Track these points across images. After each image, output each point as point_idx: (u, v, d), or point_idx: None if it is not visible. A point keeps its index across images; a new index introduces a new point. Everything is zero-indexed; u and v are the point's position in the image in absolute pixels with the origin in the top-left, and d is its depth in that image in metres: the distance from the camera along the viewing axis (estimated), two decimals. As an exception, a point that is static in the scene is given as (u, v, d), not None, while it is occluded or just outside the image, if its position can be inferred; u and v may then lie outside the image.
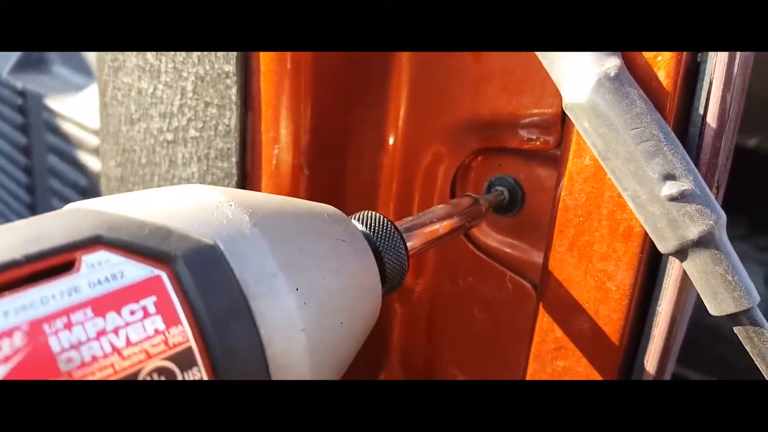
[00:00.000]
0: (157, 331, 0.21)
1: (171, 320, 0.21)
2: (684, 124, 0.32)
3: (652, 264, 0.34)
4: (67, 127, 0.80)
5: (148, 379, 0.20)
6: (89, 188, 0.79)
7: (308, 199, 0.41)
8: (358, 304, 0.28)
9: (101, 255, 0.21)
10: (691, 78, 0.32)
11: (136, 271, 0.21)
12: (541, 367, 0.38)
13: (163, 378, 0.21)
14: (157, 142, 0.46)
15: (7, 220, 1.01)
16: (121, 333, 0.20)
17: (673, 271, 0.33)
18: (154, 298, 0.21)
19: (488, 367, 0.45)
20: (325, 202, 0.42)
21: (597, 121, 0.30)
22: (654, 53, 0.31)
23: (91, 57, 0.86)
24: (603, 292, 0.35)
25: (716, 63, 0.31)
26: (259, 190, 0.41)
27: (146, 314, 0.21)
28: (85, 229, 0.21)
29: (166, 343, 0.21)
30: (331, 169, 0.43)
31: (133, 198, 0.25)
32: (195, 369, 0.21)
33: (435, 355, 0.49)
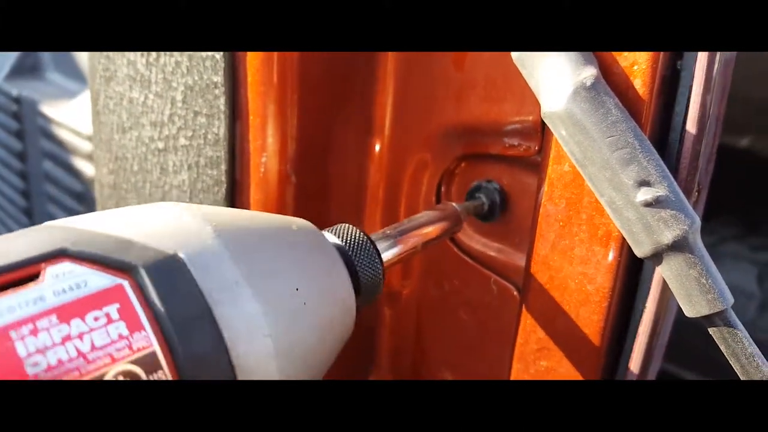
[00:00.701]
0: (120, 336, 0.21)
1: (134, 326, 0.22)
2: (663, 130, 0.33)
3: (631, 267, 0.35)
4: (62, 133, 0.81)
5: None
6: (84, 193, 0.79)
7: (295, 205, 0.42)
8: (329, 312, 0.28)
9: (65, 266, 0.22)
10: (669, 85, 0.33)
11: (99, 280, 0.22)
12: (525, 367, 0.38)
13: (129, 381, 0.21)
14: (148, 150, 0.46)
15: (4, 224, 1.01)
16: (85, 338, 0.21)
17: (656, 273, 0.34)
18: (117, 305, 0.22)
19: (474, 368, 0.46)
20: (312, 209, 0.43)
21: (574, 129, 0.31)
22: (631, 62, 0.32)
23: (84, 64, 0.86)
24: (583, 295, 0.35)
25: (695, 68, 0.32)
26: (248, 198, 0.42)
27: (110, 320, 0.22)
28: (51, 243, 0.22)
29: (130, 347, 0.21)
30: (318, 176, 0.43)
31: (102, 215, 0.26)
32: (160, 372, 0.22)
33: (423, 357, 0.49)
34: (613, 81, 0.32)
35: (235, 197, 0.43)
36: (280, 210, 0.42)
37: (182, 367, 0.22)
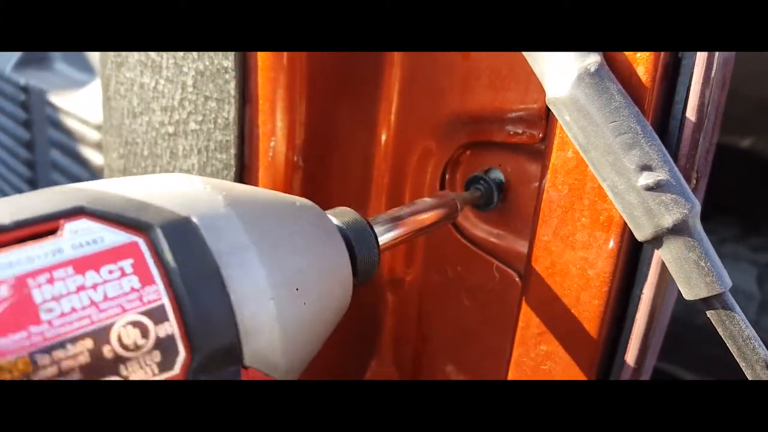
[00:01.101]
0: (133, 289, 0.23)
1: (146, 280, 0.23)
2: (664, 117, 0.34)
3: (631, 252, 0.36)
4: (69, 123, 0.82)
5: (123, 331, 0.22)
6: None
7: (302, 190, 0.43)
8: (328, 285, 0.29)
9: (83, 223, 0.23)
10: (671, 73, 0.33)
11: (115, 237, 0.23)
12: (525, 351, 0.39)
13: (138, 330, 0.22)
14: (158, 135, 0.47)
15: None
16: (99, 289, 0.22)
17: (654, 258, 0.35)
18: (131, 261, 0.23)
19: (475, 353, 0.47)
20: (318, 194, 0.44)
21: (577, 114, 0.32)
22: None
23: (92, 54, 0.87)
24: (584, 280, 0.36)
25: (696, 59, 0.33)
26: (256, 181, 0.43)
27: (123, 274, 0.23)
28: (69, 201, 0.24)
29: (140, 299, 0.23)
30: (325, 162, 0.44)
31: (118, 181, 0.27)
32: (167, 324, 0.23)
33: (424, 342, 0.50)
34: (616, 68, 0.32)
35: (243, 181, 0.43)
36: (288, 193, 0.42)
37: (189, 322, 0.23)
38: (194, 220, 0.25)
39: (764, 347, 0.31)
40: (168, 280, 0.23)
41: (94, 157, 0.78)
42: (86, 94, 0.83)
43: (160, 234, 0.23)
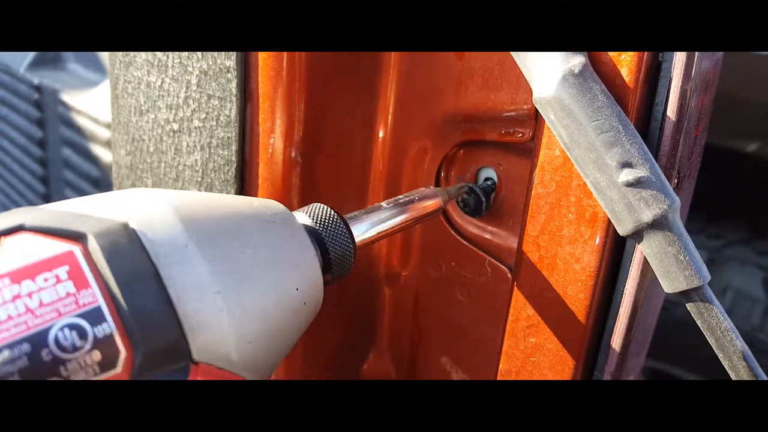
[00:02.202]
0: (68, 294, 0.24)
1: (81, 284, 0.24)
2: (646, 117, 0.35)
3: (616, 247, 0.37)
4: (81, 121, 0.84)
5: (60, 334, 0.23)
6: (101, 179, 0.82)
7: (301, 185, 0.44)
8: (287, 278, 0.30)
9: (23, 238, 0.25)
10: (653, 75, 0.34)
11: (52, 248, 0.25)
12: (515, 343, 0.40)
13: (75, 332, 0.24)
14: (164, 132, 0.49)
15: (22, 210, 1.04)
16: (34, 296, 0.24)
17: (636, 253, 0.36)
18: (66, 268, 0.24)
19: (469, 345, 0.48)
20: (316, 189, 0.45)
21: (562, 113, 0.33)
22: (618, 52, 0.33)
23: (103, 54, 0.89)
24: (571, 274, 0.37)
25: (675, 62, 0.34)
26: (257, 176, 0.44)
27: (58, 281, 0.24)
28: (11, 221, 0.25)
29: (76, 303, 0.24)
30: (323, 159, 0.46)
31: (71, 200, 0.28)
32: (105, 324, 0.24)
33: (420, 335, 0.51)
34: (601, 70, 0.34)
35: (244, 176, 0.45)
36: (287, 189, 0.44)
37: (127, 321, 0.24)
38: (132, 225, 0.26)
39: (741, 339, 0.32)
40: (103, 282, 0.24)
41: (105, 154, 0.80)
42: (97, 94, 0.85)
43: (94, 241, 0.25)
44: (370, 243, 0.37)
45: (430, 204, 0.40)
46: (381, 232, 0.37)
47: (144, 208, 0.27)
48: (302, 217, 0.34)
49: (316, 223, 0.33)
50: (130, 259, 0.25)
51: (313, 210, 0.34)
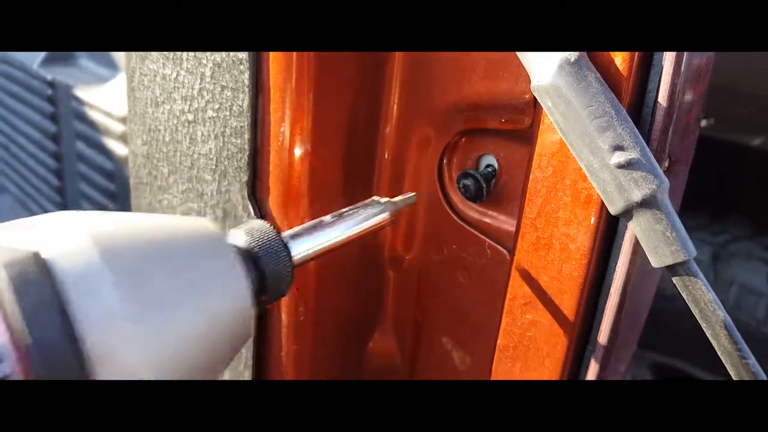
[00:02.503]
0: None
1: None
2: (639, 104, 0.37)
3: (609, 228, 0.39)
4: (94, 115, 0.86)
5: None
6: (114, 172, 0.84)
7: (309, 172, 0.47)
8: (211, 302, 0.29)
9: None
10: (646, 64, 0.36)
11: None
12: (512, 320, 0.42)
13: None
14: (179, 122, 0.51)
15: (37, 203, 1.07)
16: None
17: (628, 232, 0.38)
18: None
19: (469, 326, 0.50)
20: (324, 177, 0.48)
21: (558, 100, 0.35)
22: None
23: (115, 52, 0.91)
24: (566, 253, 0.39)
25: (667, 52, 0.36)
26: (268, 164, 0.47)
27: None
28: None
29: None
30: (331, 147, 0.48)
31: None
32: (4, 364, 0.23)
33: (423, 317, 0.54)
34: (596, 58, 0.36)
35: (256, 163, 0.47)
36: (297, 175, 0.46)
37: (31, 355, 0.23)
38: (43, 255, 0.25)
39: (723, 310, 0.34)
40: (4, 316, 0.24)
41: (118, 148, 0.83)
42: (110, 89, 0.87)
43: (3, 271, 0.24)
44: (312, 260, 0.36)
45: (376, 217, 0.39)
46: (323, 248, 0.36)
47: (60, 236, 0.26)
48: (238, 236, 0.33)
49: (252, 241, 0.33)
50: (37, 289, 0.24)
51: (250, 228, 0.33)
